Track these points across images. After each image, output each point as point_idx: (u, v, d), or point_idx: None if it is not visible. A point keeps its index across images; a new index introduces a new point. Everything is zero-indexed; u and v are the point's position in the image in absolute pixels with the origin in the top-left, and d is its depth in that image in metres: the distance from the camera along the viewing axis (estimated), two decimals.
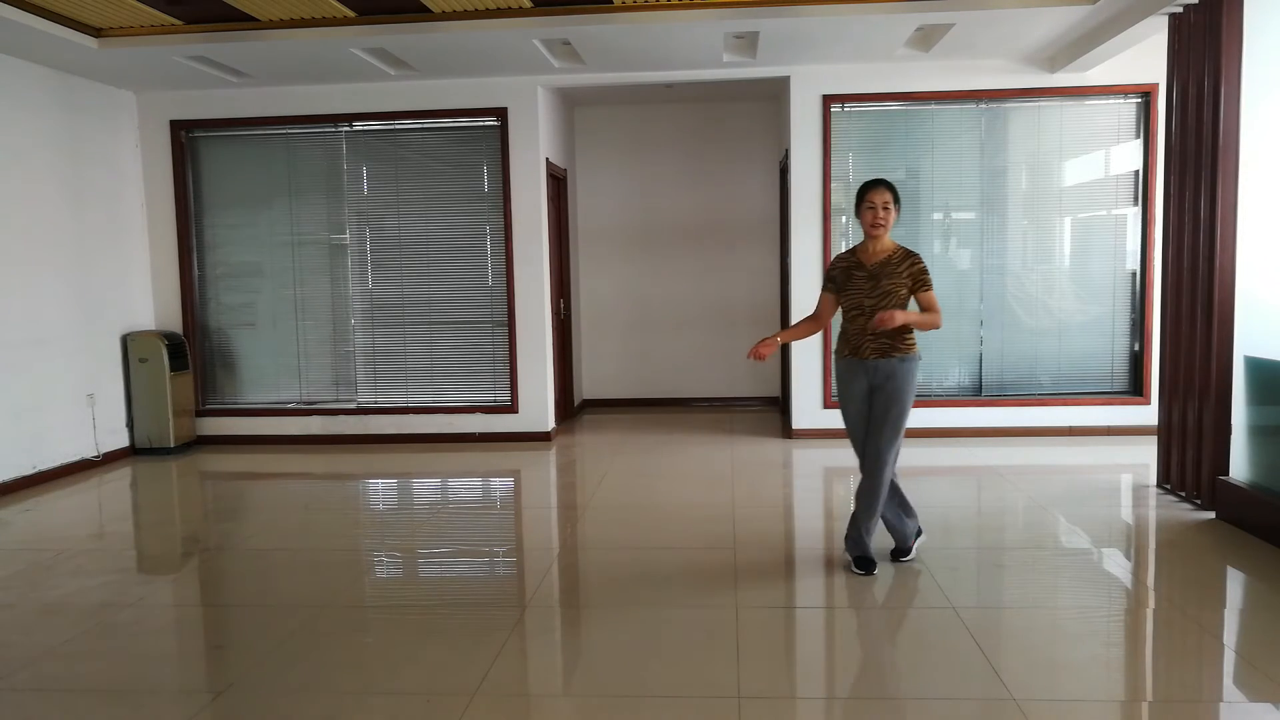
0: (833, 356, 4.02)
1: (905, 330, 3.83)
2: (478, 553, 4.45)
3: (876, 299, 3.80)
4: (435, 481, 6.02)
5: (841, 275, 3.93)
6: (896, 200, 3.84)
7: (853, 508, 3.98)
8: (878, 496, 3.87)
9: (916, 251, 3.89)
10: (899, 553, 4.05)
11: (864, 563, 3.89)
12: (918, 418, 6.80)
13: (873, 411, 3.85)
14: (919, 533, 4.11)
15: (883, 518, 3.99)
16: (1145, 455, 5.80)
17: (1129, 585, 3.82)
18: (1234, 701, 2.78)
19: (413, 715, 2.74)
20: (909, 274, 3.81)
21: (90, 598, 3.80)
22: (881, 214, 3.80)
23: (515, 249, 6.94)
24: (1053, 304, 6.81)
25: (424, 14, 5.45)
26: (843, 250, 4.05)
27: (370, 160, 7.07)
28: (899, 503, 4.03)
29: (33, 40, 5.46)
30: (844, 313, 3.94)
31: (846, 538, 4.00)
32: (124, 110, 6.91)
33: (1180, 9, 4.87)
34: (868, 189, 3.85)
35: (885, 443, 3.81)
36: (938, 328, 3.89)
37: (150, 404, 6.81)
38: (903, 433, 3.86)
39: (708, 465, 6.11)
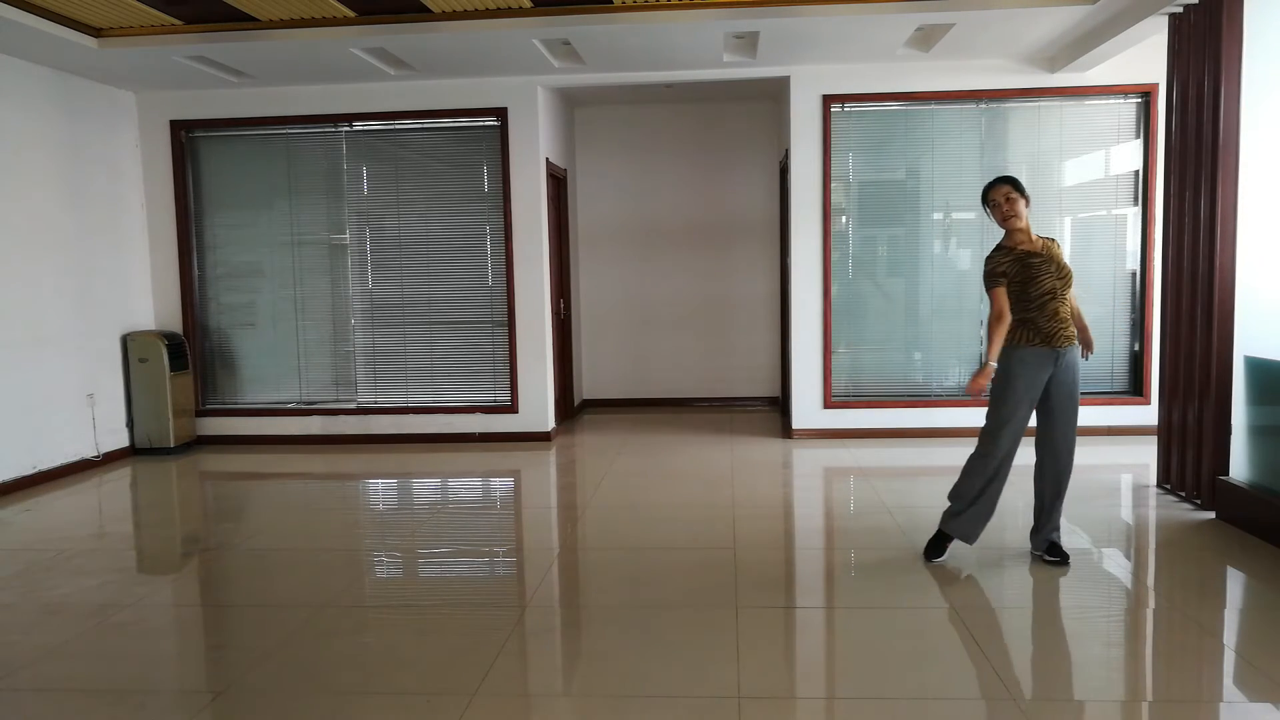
0: (1016, 348, 3.85)
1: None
2: (478, 553, 4.45)
3: (1064, 279, 3.84)
4: (435, 481, 6.02)
5: (1017, 267, 3.84)
6: (1018, 189, 3.87)
7: (1039, 503, 4.00)
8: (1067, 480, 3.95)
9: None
10: (936, 550, 4.02)
11: (1056, 550, 3.95)
12: (917, 418, 6.82)
13: (1057, 401, 3.85)
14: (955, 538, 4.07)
15: (972, 504, 3.96)
16: (1145, 455, 5.80)
17: (1129, 585, 3.82)
18: (1234, 701, 2.78)
19: (413, 715, 2.74)
20: (1064, 257, 3.93)
21: (90, 598, 3.80)
22: (1007, 206, 3.84)
23: (515, 249, 6.95)
24: None
25: (424, 14, 5.45)
26: (999, 248, 3.95)
27: (370, 160, 7.07)
28: (996, 503, 4.00)
29: (33, 40, 5.47)
30: (1032, 301, 3.81)
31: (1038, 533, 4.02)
32: (124, 110, 6.91)
33: (1180, 9, 4.87)
34: (987, 190, 3.93)
35: (1074, 428, 3.90)
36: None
37: (150, 404, 6.81)
38: None
39: (708, 465, 6.11)
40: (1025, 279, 3.83)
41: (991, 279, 3.86)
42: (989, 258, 3.92)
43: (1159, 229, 5.71)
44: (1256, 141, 4.51)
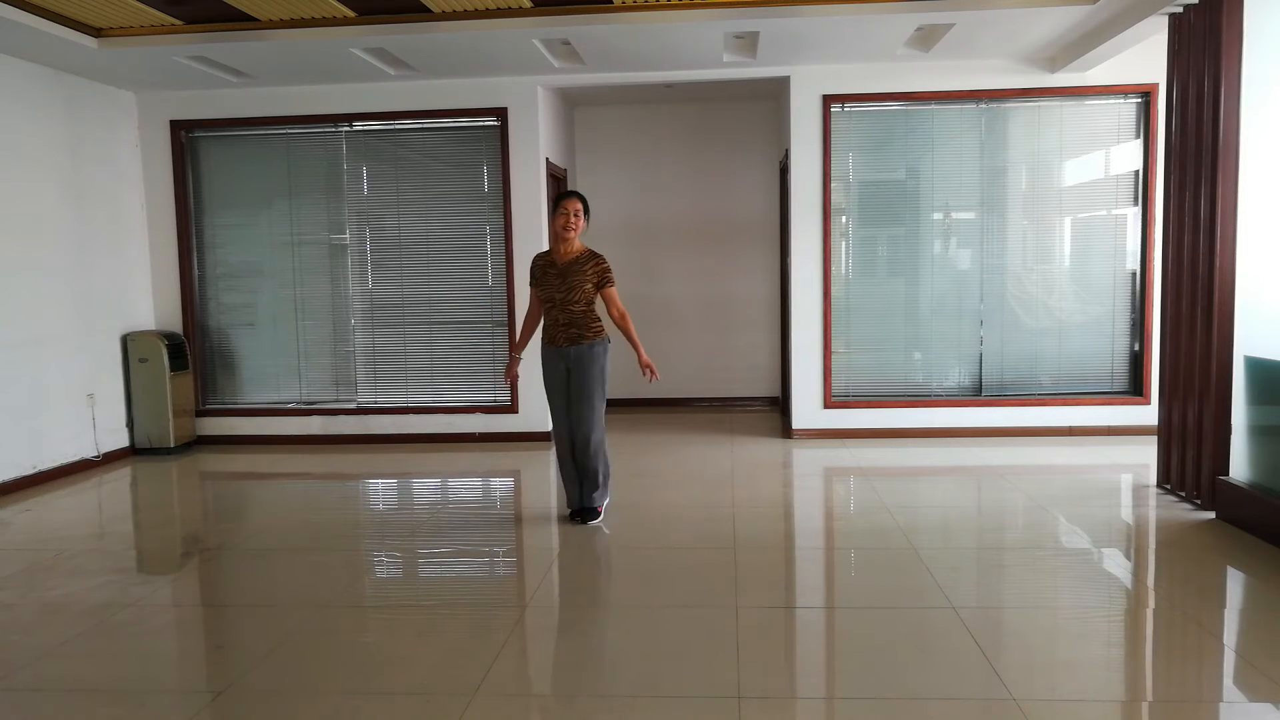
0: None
1: (593, 319, 4.56)
2: (477, 553, 4.45)
3: (565, 293, 4.49)
4: (435, 481, 6.02)
5: (539, 272, 4.59)
6: (586, 211, 4.57)
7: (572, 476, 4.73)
8: (597, 462, 4.65)
9: (602, 253, 4.60)
10: (589, 513, 4.72)
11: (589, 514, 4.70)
12: (917, 418, 6.82)
13: (572, 391, 4.59)
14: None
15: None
16: (1145, 455, 5.80)
17: (1129, 585, 3.82)
18: (1234, 701, 2.78)
19: (413, 715, 2.74)
20: (593, 272, 4.50)
21: (90, 598, 3.80)
22: (572, 220, 4.48)
23: (515, 249, 6.94)
24: (1053, 304, 6.81)
25: (424, 14, 5.45)
26: (543, 251, 4.75)
27: (370, 160, 7.07)
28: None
29: (33, 40, 5.47)
30: (541, 306, 4.62)
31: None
32: (124, 110, 6.92)
33: (1180, 9, 4.87)
34: (562, 197, 4.52)
35: (585, 415, 4.56)
36: (621, 314, 4.62)
37: (150, 404, 6.81)
38: (603, 401, 4.65)
39: (708, 465, 6.11)
40: (539, 285, 4.58)
41: (529, 280, 4.67)
42: (533, 259, 4.70)
43: (1159, 229, 5.71)
44: (1256, 141, 4.51)
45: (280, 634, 3.36)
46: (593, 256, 4.54)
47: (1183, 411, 4.90)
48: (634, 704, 2.78)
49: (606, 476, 4.75)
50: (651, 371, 4.60)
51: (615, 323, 4.62)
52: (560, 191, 4.63)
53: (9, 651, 3.28)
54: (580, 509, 4.73)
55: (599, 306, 4.64)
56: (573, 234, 4.50)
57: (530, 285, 4.67)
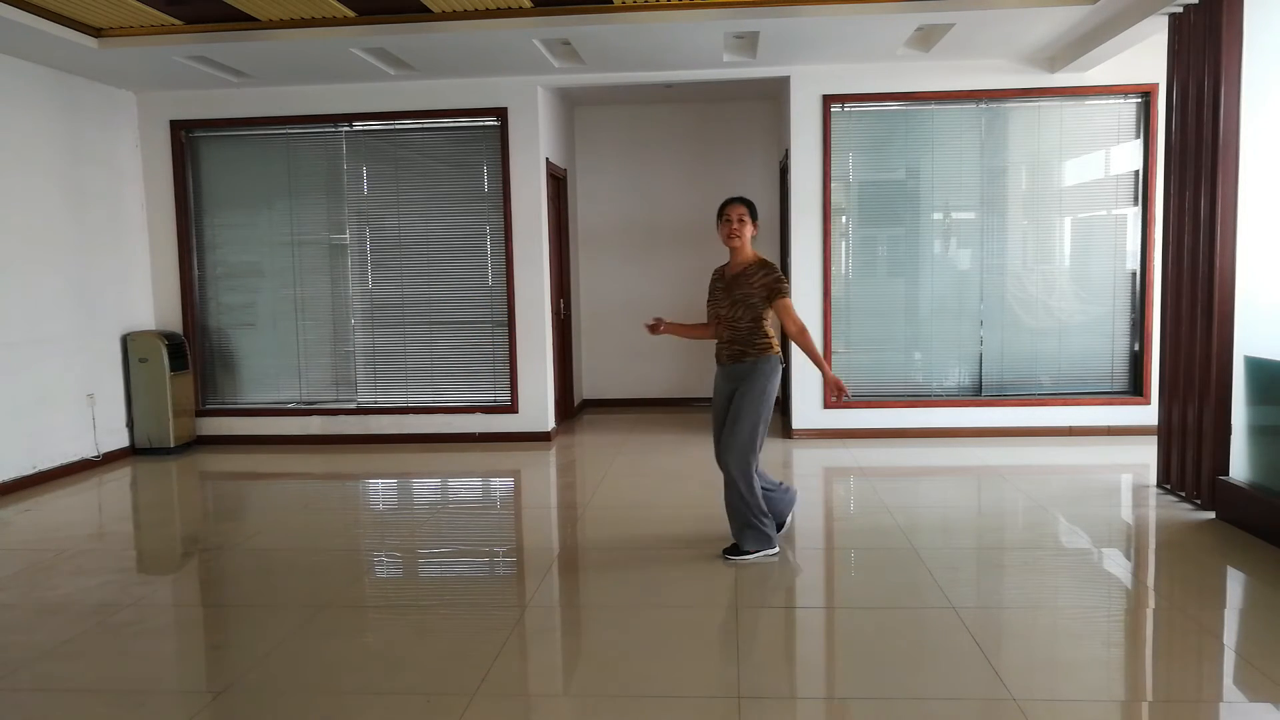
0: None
1: (761, 335, 4.01)
2: (478, 553, 4.45)
3: (728, 308, 4.04)
4: (435, 481, 6.02)
5: (711, 287, 4.20)
6: (753, 215, 4.06)
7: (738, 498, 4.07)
8: (734, 496, 4.06)
9: (774, 263, 4.08)
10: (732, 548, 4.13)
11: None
12: (917, 418, 6.82)
13: (731, 410, 4.04)
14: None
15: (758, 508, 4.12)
16: (1145, 455, 5.80)
17: (1129, 585, 3.82)
18: (1234, 701, 2.78)
19: (413, 715, 2.74)
20: (761, 284, 3.99)
21: (90, 598, 3.80)
22: (736, 226, 4.01)
23: (515, 249, 6.95)
24: (1053, 304, 6.81)
25: (424, 14, 5.45)
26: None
27: (370, 160, 7.07)
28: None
29: (33, 40, 5.47)
30: (711, 324, 4.21)
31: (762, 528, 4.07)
32: (124, 110, 6.91)
33: (1180, 9, 4.87)
34: (725, 204, 4.07)
35: (728, 440, 4.00)
36: (798, 330, 4.02)
37: (150, 404, 6.81)
38: (754, 428, 3.98)
39: (708, 465, 6.09)
40: (710, 300, 4.17)
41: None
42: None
43: (1159, 229, 5.71)
44: (1256, 141, 4.51)
45: (280, 634, 3.36)
46: (762, 266, 4.01)
47: (1183, 411, 4.90)
48: (634, 704, 2.77)
49: (750, 520, 4.04)
50: (840, 389, 4.00)
51: (793, 340, 4.03)
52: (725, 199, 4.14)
53: (9, 651, 3.27)
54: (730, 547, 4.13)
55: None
56: (738, 243, 4.02)
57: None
